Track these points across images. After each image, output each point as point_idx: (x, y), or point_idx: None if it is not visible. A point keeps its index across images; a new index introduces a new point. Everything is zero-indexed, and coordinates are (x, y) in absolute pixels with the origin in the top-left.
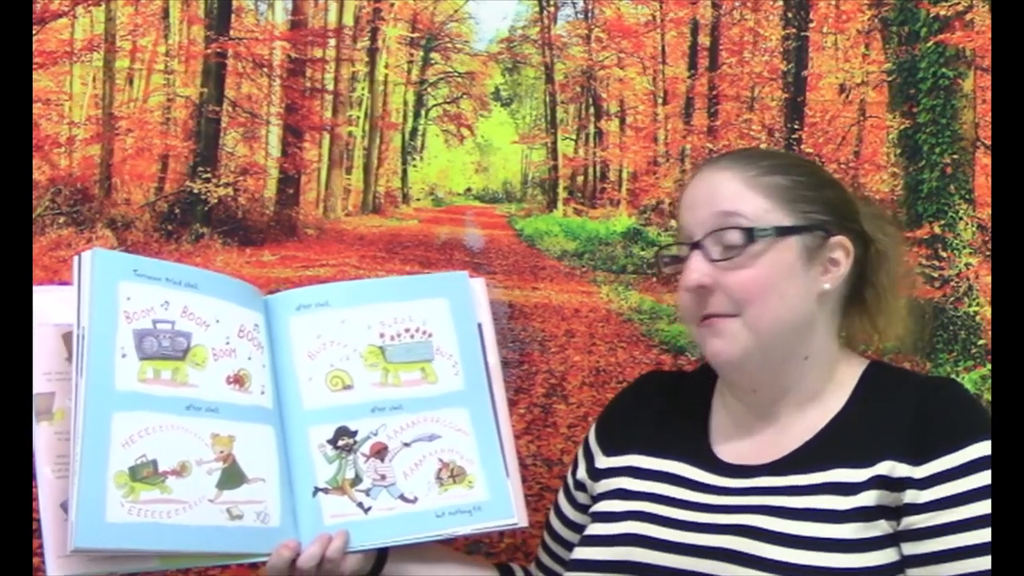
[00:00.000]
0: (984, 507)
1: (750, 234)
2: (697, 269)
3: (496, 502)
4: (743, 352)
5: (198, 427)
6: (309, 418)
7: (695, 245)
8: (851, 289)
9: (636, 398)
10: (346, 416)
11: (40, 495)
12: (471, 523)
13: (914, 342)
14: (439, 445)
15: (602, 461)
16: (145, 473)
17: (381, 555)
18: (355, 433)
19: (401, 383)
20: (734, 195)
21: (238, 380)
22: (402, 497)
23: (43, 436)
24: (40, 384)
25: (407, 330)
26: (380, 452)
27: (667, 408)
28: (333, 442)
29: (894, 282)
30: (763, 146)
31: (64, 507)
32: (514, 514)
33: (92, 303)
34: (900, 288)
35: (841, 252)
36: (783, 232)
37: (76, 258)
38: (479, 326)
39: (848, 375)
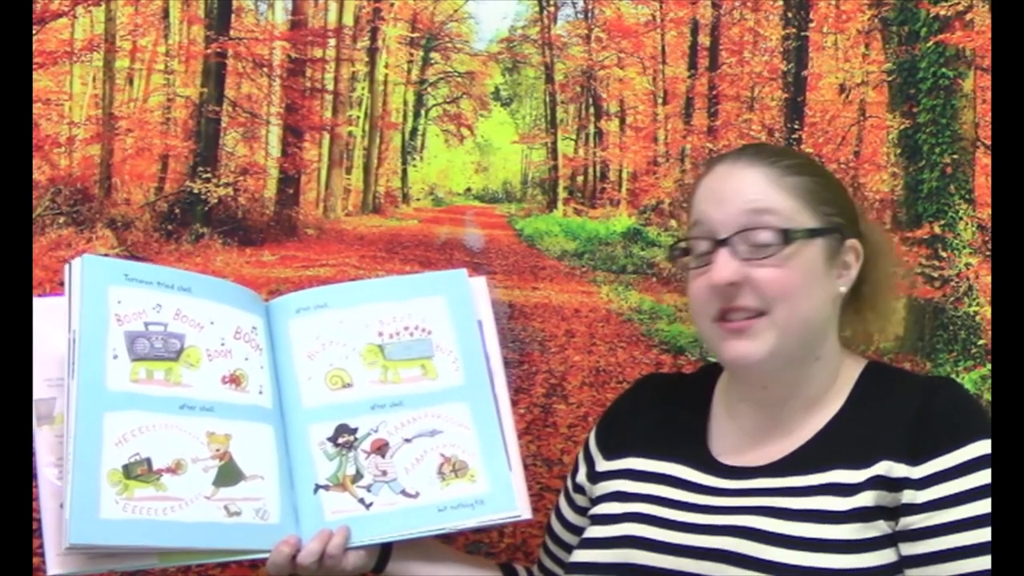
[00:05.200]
0: (981, 507)
1: (786, 235)
2: (727, 266)
3: (498, 495)
4: (768, 353)
5: (193, 426)
6: (309, 416)
7: (722, 242)
8: (850, 290)
9: (635, 401)
10: (346, 414)
11: (41, 495)
12: (474, 516)
13: (913, 341)
14: (440, 440)
15: (602, 464)
16: (139, 471)
17: (385, 552)
18: (355, 430)
19: (401, 380)
20: (764, 193)
21: (234, 380)
22: (404, 492)
23: (44, 439)
24: (41, 390)
25: (406, 328)
26: (381, 448)
27: (666, 410)
28: (333, 439)
29: (888, 280)
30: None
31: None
32: (517, 506)
33: (82, 307)
34: (893, 286)
35: (852, 255)
36: (813, 234)
37: (67, 265)
38: (479, 323)
39: (848, 376)
